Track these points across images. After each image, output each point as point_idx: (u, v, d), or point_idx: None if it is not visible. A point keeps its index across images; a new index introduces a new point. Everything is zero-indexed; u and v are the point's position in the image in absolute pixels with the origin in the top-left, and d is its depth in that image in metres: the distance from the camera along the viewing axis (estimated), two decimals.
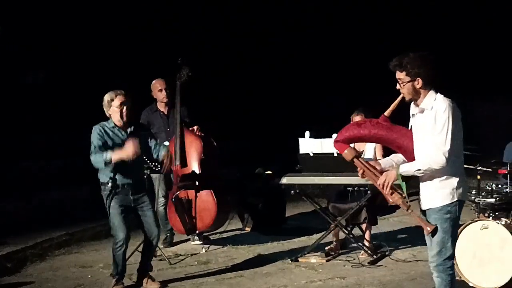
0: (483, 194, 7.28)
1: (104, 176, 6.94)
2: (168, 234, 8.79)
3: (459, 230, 6.82)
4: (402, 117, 5.46)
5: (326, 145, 7.98)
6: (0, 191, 10.55)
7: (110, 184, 6.85)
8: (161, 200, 8.59)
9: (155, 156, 7.24)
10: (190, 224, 8.22)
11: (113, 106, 6.96)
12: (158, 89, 8.66)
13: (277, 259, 8.12)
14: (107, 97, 7.00)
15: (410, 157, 5.29)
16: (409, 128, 5.36)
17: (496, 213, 7.04)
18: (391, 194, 5.24)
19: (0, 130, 12.27)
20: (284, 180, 8.17)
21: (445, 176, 5.20)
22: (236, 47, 15.65)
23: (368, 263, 7.83)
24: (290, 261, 8.02)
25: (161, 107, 8.70)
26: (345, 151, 5.39)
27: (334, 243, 8.28)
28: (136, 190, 7.06)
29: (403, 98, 5.27)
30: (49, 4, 13.79)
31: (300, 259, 8.04)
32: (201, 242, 8.78)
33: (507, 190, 7.21)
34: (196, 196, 8.21)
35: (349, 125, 5.57)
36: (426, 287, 6.69)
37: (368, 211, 8.05)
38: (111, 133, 6.96)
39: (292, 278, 7.46)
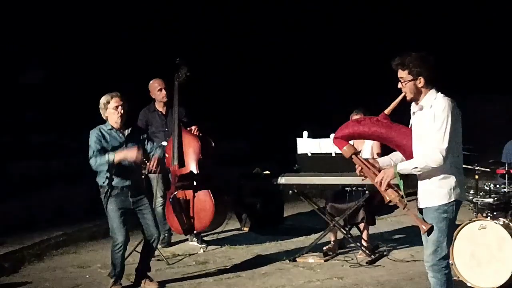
0: (481, 194, 7.30)
1: (103, 179, 6.93)
2: (166, 234, 8.78)
3: (457, 230, 6.85)
4: (402, 116, 5.47)
5: (324, 145, 7.99)
6: None
7: (108, 188, 6.86)
8: (159, 200, 8.59)
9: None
10: (188, 224, 8.21)
11: (110, 108, 6.96)
12: (158, 89, 8.65)
13: (275, 259, 8.12)
14: (103, 100, 6.99)
15: (409, 155, 5.30)
16: (410, 126, 5.38)
17: (494, 213, 7.06)
18: (388, 191, 5.25)
19: None
20: (282, 180, 8.16)
21: (442, 175, 5.21)
22: (233, 47, 15.66)
23: (366, 263, 7.83)
24: (288, 261, 8.02)
25: (160, 107, 8.69)
26: (344, 147, 5.40)
27: (332, 243, 8.28)
28: (136, 192, 7.05)
29: (404, 97, 5.29)
30: (48, 3, 13.79)
31: (298, 259, 8.04)
32: (199, 243, 8.76)
33: (505, 190, 7.23)
34: (194, 196, 8.20)
35: (349, 122, 5.60)
36: (424, 287, 6.69)
37: (366, 211, 8.05)
38: (108, 136, 6.96)
39: (290, 278, 7.45)
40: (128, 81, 8.98)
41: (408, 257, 7.92)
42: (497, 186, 7.32)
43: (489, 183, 7.35)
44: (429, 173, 5.22)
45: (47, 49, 14.08)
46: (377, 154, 7.86)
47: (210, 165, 8.40)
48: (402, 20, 16.19)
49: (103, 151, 6.86)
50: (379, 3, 16.54)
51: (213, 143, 8.52)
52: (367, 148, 8.13)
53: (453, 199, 5.23)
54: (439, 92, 5.23)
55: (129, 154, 6.83)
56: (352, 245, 8.24)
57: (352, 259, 7.94)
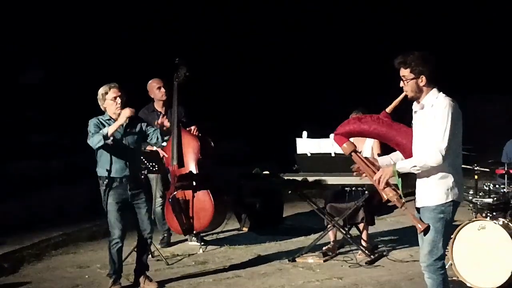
0: (480, 194, 7.30)
1: (102, 170, 6.96)
2: (166, 234, 8.78)
3: (456, 230, 6.86)
4: (404, 115, 5.47)
5: (323, 145, 7.98)
6: None
7: (107, 179, 6.87)
8: (158, 201, 8.59)
9: (154, 141, 7.19)
10: (187, 224, 8.21)
11: (108, 99, 6.99)
12: (157, 87, 8.64)
13: (274, 259, 8.12)
14: (101, 91, 7.02)
15: (408, 155, 5.31)
16: (411, 125, 5.38)
17: (494, 213, 7.06)
18: (386, 190, 5.25)
19: None
20: (282, 180, 8.15)
21: (441, 175, 5.21)
22: (233, 47, 15.65)
23: (366, 263, 7.83)
24: (288, 261, 8.02)
25: (158, 106, 8.69)
26: (344, 144, 5.41)
27: (331, 243, 8.28)
28: (134, 185, 7.07)
29: (406, 96, 5.30)
30: (48, 3, 13.78)
31: (297, 259, 8.04)
32: (199, 243, 8.76)
33: (504, 190, 7.23)
34: (193, 196, 8.20)
35: (349, 119, 5.61)
36: (423, 287, 6.67)
37: (365, 211, 8.05)
38: (107, 126, 6.95)
39: (290, 278, 7.46)
40: (128, 81, 8.95)
41: (408, 257, 7.91)
42: (497, 186, 7.32)
43: (489, 183, 7.35)
44: (428, 173, 5.23)
45: (47, 49, 14.06)
46: (378, 154, 7.84)
47: (209, 165, 8.41)
48: (402, 20, 16.18)
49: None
50: (379, 3, 16.53)
51: (212, 143, 8.52)
52: (367, 149, 8.14)
53: (450, 200, 5.23)
54: (441, 92, 5.24)
55: (121, 117, 6.83)
56: (352, 245, 8.23)
57: (352, 259, 7.93)
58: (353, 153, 5.41)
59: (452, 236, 6.82)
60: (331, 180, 8.00)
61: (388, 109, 5.37)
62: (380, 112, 5.41)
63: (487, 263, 6.77)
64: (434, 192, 5.23)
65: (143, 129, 7.15)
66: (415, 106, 5.35)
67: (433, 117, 5.15)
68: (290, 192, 8.17)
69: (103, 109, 7.04)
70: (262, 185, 9.49)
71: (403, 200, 5.25)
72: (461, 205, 5.43)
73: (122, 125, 6.99)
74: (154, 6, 15.19)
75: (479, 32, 16.11)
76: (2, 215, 9.90)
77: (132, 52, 14.27)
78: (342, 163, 7.45)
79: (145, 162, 7.76)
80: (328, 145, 7.90)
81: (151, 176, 8.26)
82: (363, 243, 8.15)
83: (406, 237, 8.64)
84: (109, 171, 6.90)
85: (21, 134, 13.03)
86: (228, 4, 15.77)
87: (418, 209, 5.38)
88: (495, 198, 7.19)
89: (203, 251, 8.56)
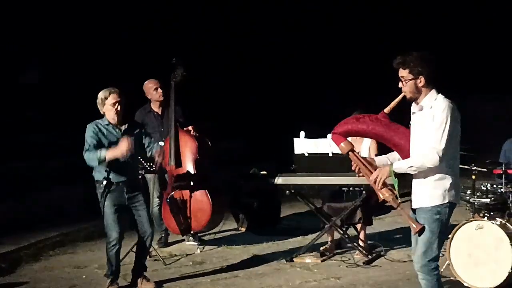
0: (478, 194, 7.30)
1: (99, 174, 6.94)
2: (163, 235, 8.77)
3: (454, 230, 6.85)
4: (403, 116, 5.46)
5: (321, 145, 7.98)
6: None
7: (104, 182, 6.85)
8: (155, 201, 8.57)
9: (148, 154, 7.23)
10: (185, 224, 8.19)
11: (107, 104, 6.96)
12: (153, 88, 8.63)
13: (272, 259, 8.11)
14: (101, 95, 7.00)
15: (405, 156, 5.31)
16: (409, 127, 5.37)
17: (491, 213, 7.05)
18: (382, 190, 5.24)
19: None
20: (279, 180, 8.15)
21: (438, 177, 5.21)
22: (233, 47, 15.64)
23: (363, 263, 7.82)
24: (285, 261, 8.00)
25: (155, 107, 8.68)
26: (342, 144, 5.40)
27: (329, 243, 8.27)
28: (131, 188, 7.05)
29: (404, 96, 5.29)
30: (48, 3, 13.78)
31: (295, 259, 8.03)
32: (196, 243, 8.75)
33: (502, 190, 7.22)
34: (190, 197, 8.18)
35: (348, 118, 5.59)
36: (420, 287, 6.67)
37: (363, 211, 8.04)
38: (105, 131, 6.96)
39: (287, 279, 7.45)
40: (128, 81, 8.95)
41: (405, 257, 7.88)
42: (494, 186, 7.31)
43: (486, 183, 7.34)
44: (424, 174, 5.22)
45: (46, 49, 14.06)
46: (375, 155, 7.83)
47: (207, 165, 8.40)
48: (402, 20, 16.17)
49: (99, 146, 6.86)
50: (379, 3, 16.53)
51: (210, 143, 8.51)
52: (365, 149, 8.13)
53: (446, 201, 5.22)
54: (440, 94, 5.24)
55: (119, 151, 6.77)
56: (349, 245, 8.22)
57: (349, 259, 7.92)
58: (350, 153, 5.41)
59: (449, 236, 6.83)
60: (329, 180, 7.99)
61: (386, 110, 5.37)
62: (379, 113, 5.41)
63: (485, 263, 6.77)
64: (430, 193, 5.23)
65: (141, 135, 7.16)
66: (413, 107, 5.34)
67: (432, 118, 5.15)
68: (287, 192, 8.14)
69: (102, 113, 7.02)
70: (259, 185, 9.49)
71: (399, 201, 5.25)
72: (459, 205, 5.42)
73: (120, 130, 6.99)
74: (154, 6, 15.18)
75: (479, 32, 16.10)
76: (0, 215, 9.89)
77: (132, 52, 14.26)
78: (340, 163, 7.47)
79: (143, 162, 7.74)
80: (325, 145, 7.90)
81: (148, 176, 8.25)
82: (361, 243, 8.14)
83: (404, 237, 8.59)
84: (106, 176, 6.87)
85: (21, 134, 13.01)
86: (228, 4, 15.76)
87: (414, 210, 5.37)
88: (492, 198, 7.19)
89: (201, 251, 8.55)
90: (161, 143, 8.22)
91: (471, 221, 6.90)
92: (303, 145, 8.08)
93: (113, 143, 6.88)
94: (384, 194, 5.26)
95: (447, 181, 5.21)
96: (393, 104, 5.34)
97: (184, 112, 8.62)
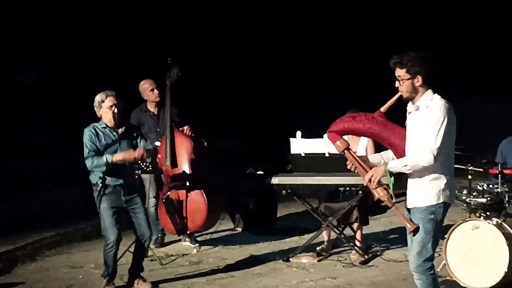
0: (474, 194, 7.28)
1: (95, 177, 6.93)
2: (159, 235, 8.76)
3: (450, 230, 6.84)
4: (399, 116, 5.44)
5: (317, 145, 7.96)
6: None
7: (101, 185, 6.84)
8: (151, 201, 8.57)
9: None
10: (181, 224, 8.19)
11: (104, 107, 6.96)
12: (149, 89, 8.63)
13: (268, 259, 8.10)
14: (98, 98, 7.00)
15: (401, 155, 5.30)
16: (405, 126, 5.36)
17: (487, 213, 7.03)
18: (377, 189, 5.22)
19: None
20: (276, 180, 8.14)
21: (433, 176, 5.20)
22: (233, 47, 15.63)
23: (360, 263, 7.81)
24: (282, 261, 8.00)
25: (151, 107, 8.67)
26: (337, 142, 5.39)
27: (325, 243, 8.25)
28: (129, 191, 7.05)
29: (401, 96, 5.28)
30: (48, 3, 13.78)
31: (291, 259, 8.02)
32: (193, 244, 8.74)
33: (498, 190, 7.20)
34: (187, 197, 8.18)
35: (344, 117, 5.59)
36: (417, 287, 6.66)
37: (359, 211, 8.03)
38: (102, 134, 6.97)
39: (284, 278, 7.44)
40: (128, 81, 8.95)
41: (402, 257, 7.86)
42: (490, 186, 7.29)
43: (482, 183, 7.32)
44: (419, 173, 5.22)
45: (46, 49, 14.06)
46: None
47: (203, 165, 8.38)
48: (402, 20, 16.14)
49: (98, 149, 6.87)
50: (379, 3, 16.50)
51: (205, 143, 8.50)
52: (362, 148, 8.11)
53: (441, 201, 5.22)
54: (436, 94, 5.23)
55: (128, 155, 6.84)
56: (346, 245, 8.22)
57: (346, 259, 7.92)
58: (345, 151, 5.40)
59: (446, 236, 6.82)
60: (325, 180, 7.98)
61: (382, 109, 5.36)
62: (376, 111, 5.39)
63: (481, 263, 6.76)
64: (425, 193, 5.22)
65: (138, 138, 7.16)
66: (409, 107, 5.34)
67: (428, 118, 5.14)
68: (284, 192, 8.12)
69: (99, 116, 7.03)
70: (256, 185, 9.48)
71: (394, 200, 5.24)
72: (454, 205, 5.42)
73: (117, 132, 6.99)
74: (154, 6, 15.17)
75: (478, 32, 16.07)
76: (0, 215, 9.89)
77: (132, 52, 14.26)
78: (336, 163, 7.44)
79: (139, 162, 7.71)
80: (322, 145, 7.89)
81: (144, 176, 8.23)
82: (357, 243, 8.14)
83: (400, 237, 8.59)
84: (103, 179, 6.87)
85: (21, 134, 13.00)
86: (228, 4, 15.75)
87: (409, 210, 5.36)
88: (488, 198, 7.16)
89: (197, 251, 8.55)
90: (158, 143, 8.23)
91: (467, 221, 6.89)
92: (299, 145, 8.07)
93: (110, 146, 6.90)
94: (379, 193, 5.26)
95: (442, 181, 5.20)
96: (389, 103, 5.34)
97: (180, 112, 8.61)
